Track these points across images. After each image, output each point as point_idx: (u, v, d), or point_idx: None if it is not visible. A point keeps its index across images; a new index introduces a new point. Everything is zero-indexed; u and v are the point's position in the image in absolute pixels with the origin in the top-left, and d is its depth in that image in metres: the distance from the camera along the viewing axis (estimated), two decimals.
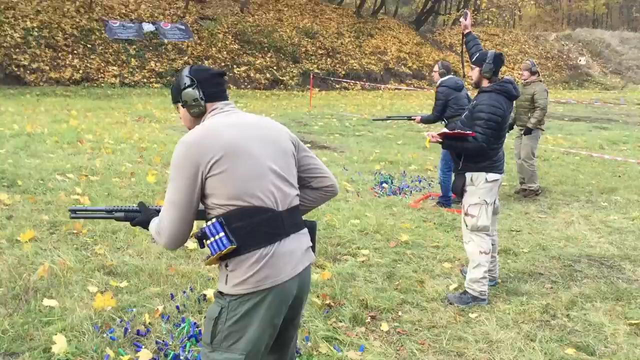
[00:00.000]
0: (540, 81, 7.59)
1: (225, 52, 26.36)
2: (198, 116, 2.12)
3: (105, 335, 3.40)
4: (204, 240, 1.95)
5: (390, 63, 31.09)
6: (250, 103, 18.36)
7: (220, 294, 1.98)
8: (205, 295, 3.94)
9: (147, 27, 25.45)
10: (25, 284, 4.00)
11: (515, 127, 7.39)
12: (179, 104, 2.16)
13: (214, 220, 1.92)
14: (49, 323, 3.48)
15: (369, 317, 3.79)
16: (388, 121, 12.87)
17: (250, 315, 1.92)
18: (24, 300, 3.78)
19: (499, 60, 4.15)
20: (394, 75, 30.28)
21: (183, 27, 26.40)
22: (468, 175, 4.11)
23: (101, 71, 22.64)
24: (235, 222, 1.90)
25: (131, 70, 23.28)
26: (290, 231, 2.01)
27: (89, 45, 23.39)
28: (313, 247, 2.16)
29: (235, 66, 25.84)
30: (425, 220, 6.08)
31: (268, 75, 26.26)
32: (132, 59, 23.72)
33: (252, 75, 25.84)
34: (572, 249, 5.34)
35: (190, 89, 2.09)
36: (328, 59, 28.99)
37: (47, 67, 21.63)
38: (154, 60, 24.19)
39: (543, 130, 7.60)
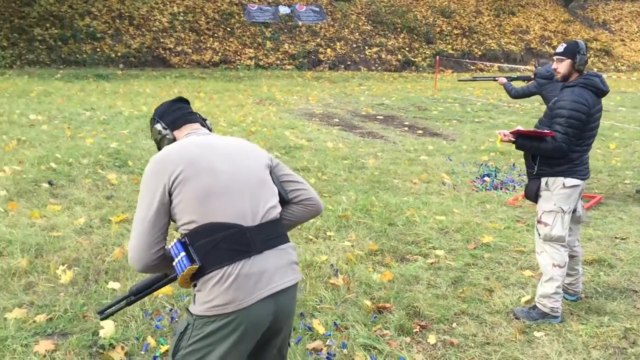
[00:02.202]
0: None
1: (357, 34, 26.30)
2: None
3: (153, 322, 3.54)
4: (173, 263, 1.92)
5: (533, 43, 29.18)
6: (374, 85, 18.20)
7: (188, 311, 1.95)
8: None
9: (283, 9, 26.07)
10: (99, 265, 4.29)
11: None
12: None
13: (175, 240, 1.90)
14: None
15: (418, 327, 3.58)
16: (475, 81, 12.31)
17: (213, 338, 1.85)
18: (92, 281, 4.05)
19: (587, 51, 3.68)
20: (536, 56, 28.35)
21: (317, 9, 26.71)
22: (543, 179, 3.71)
23: (238, 53, 23.62)
24: (197, 240, 1.86)
25: (266, 52, 24.04)
26: (262, 247, 1.90)
27: (228, 29, 24.49)
28: None
29: (366, 47, 25.71)
30: (519, 221, 5.63)
31: (400, 57, 25.82)
32: (268, 42, 24.46)
33: (383, 56, 25.56)
34: None
35: (154, 126, 2.15)
36: (464, 39, 27.86)
37: (190, 50, 23.00)
38: (288, 43, 24.76)
39: None
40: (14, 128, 8.84)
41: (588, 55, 3.74)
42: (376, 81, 19.81)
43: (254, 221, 1.90)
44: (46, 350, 3.19)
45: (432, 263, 4.53)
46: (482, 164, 7.97)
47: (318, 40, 25.22)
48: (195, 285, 1.90)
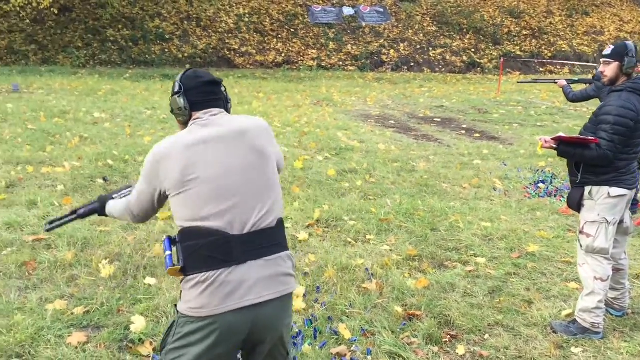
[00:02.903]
0: None
1: (421, 34, 25.99)
2: (184, 123, 2.11)
3: None
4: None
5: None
6: (435, 87, 17.91)
7: (175, 307, 1.97)
8: None
9: (347, 10, 26.09)
10: (139, 260, 4.41)
11: None
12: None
13: (166, 236, 1.94)
14: (139, 301, 3.78)
15: (448, 337, 3.49)
16: (536, 83, 11.84)
17: (190, 339, 1.87)
18: (131, 276, 4.17)
19: (637, 53, 3.47)
20: None
21: (382, 9, 26.57)
22: (587, 188, 3.53)
23: (301, 54, 23.83)
24: (184, 241, 1.89)
25: (328, 53, 24.13)
26: (247, 258, 1.88)
27: (292, 30, 24.75)
28: None
29: (431, 48, 25.36)
30: (570, 230, 5.39)
31: (465, 58, 25.32)
32: (331, 43, 24.55)
33: (447, 58, 25.14)
34: None
35: (176, 97, 2.09)
36: (533, 40, 27.01)
37: (254, 51, 23.39)
38: (351, 44, 24.76)
39: None
40: (79, 125, 9.23)
41: None
42: (438, 83, 19.48)
43: (242, 230, 1.88)
44: (78, 342, 3.30)
45: (470, 271, 4.41)
46: (538, 170, 7.68)
47: (381, 41, 25.08)
48: (182, 282, 1.93)
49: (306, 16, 25.44)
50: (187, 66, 21.67)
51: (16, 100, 11.31)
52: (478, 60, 25.25)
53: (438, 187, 6.74)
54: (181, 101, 2.08)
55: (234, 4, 24.85)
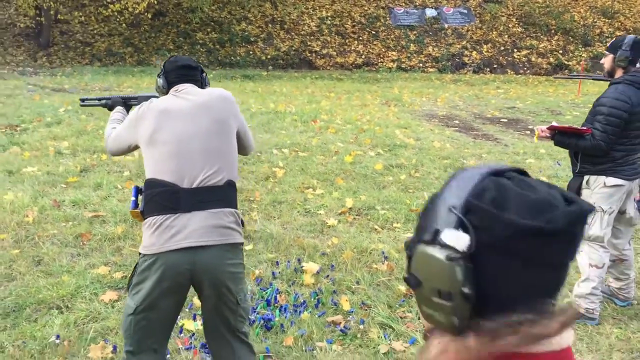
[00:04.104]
0: None
1: (506, 36, 25.44)
2: None
3: None
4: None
5: None
6: (513, 89, 17.57)
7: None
8: (302, 267, 4.28)
9: (430, 12, 26.00)
10: None
11: None
12: None
13: (134, 185, 2.36)
14: None
15: None
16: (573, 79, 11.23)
17: (145, 274, 2.24)
18: None
19: (639, 47, 3.53)
20: None
21: (465, 10, 26.26)
22: (585, 177, 3.63)
23: (381, 56, 24.02)
24: (145, 190, 2.29)
25: (409, 55, 24.16)
26: (192, 208, 2.23)
27: (373, 32, 25.00)
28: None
29: (515, 50, 24.78)
30: None
31: (551, 60, 24.52)
32: (411, 44, 24.57)
33: (533, 59, 24.46)
34: None
35: (158, 78, 2.51)
36: None
37: (335, 53, 23.84)
38: (432, 45, 24.66)
39: None
40: None
41: None
42: (518, 85, 19.08)
43: (191, 184, 2.25)
44: (110, 300, 3.79)
45: None
46: None
47: (464, 42, 24.80)
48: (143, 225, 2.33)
49: (388, 18, 25.60)
50: (270, 68, 22.51)
51: None
52: (566, 62, 24.38)
53: None
54: (161, 81, 2.51)
55: (317, 7, 25.44)
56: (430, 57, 24.15)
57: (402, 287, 3.97)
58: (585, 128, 3.51)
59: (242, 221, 2.42)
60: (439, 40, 25.02)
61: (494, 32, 25.44)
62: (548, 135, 3.66)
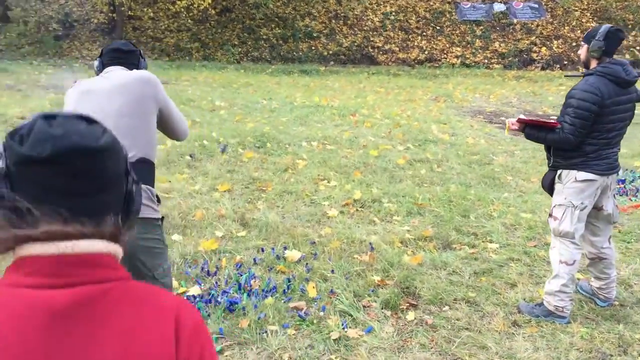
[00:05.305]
0: None
1: (579, 31, 24.34)
2: None
3: (185, 268, 4.17)
4: None
5: None
6: (494, 85, 16.85)
7: None
8: (285, 255, 4.36)
9: (498, 7, 25.26)
10: (177, 221, 5.08)
11: None
12: None
13: None
14: None
15: (408, 305, 3.67)
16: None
17: None
18: (166, 232, 4.83)
19: (614, 37, 3.37)
20: None
21: (536, 5, 25.34)
22: (559, 171, 3.51)
23: (444, 52, 23.60)
24: None
25: (474, 51, 23.61)
26: None
27: (437, 27, 24.60)
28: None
29: None
30: (617, 227, 5.12)
31: (627, 56, 23.24)
32: (477, 40, 23.99)
33: None
34: None
35: (95, 61, 2.67)
36: None
37: (397, 48, 23.66)
38: (499, 41, 23.98)
39: None
40: (197, 111, 10.33)
41: None
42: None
43: None
44: None
45: (472, 253, 4.46)
46: (628, 169, 7.19)
47: (532, 38, 23.96)
48: None
49: (454, 13, 25.11)
50: (331, 63, 22.63)
51: None
52: None
53: (503, 179, 6.66)
54: (96, 63, 2.67)
55: (381, 3, 25.31)
56: (496, 53, 23.49)
57: (375, 277, 3.98)
58: (553, 121, 3.40)
59: (157, 198, 2.53)
60: (506, 36, 24.29)
61: (566, 27, 24.42)
62: (517, 128, 3.56)
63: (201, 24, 24.13)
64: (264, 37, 23.86)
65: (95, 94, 2.49)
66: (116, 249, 0.98)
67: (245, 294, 3.77)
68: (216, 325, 3.39)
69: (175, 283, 3.93)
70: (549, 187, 3.59)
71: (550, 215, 3.56)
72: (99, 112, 2.42)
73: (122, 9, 22.62)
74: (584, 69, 3.56)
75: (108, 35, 23.80)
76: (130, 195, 1.03)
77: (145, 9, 23.58)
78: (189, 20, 23.52)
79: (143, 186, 2.45)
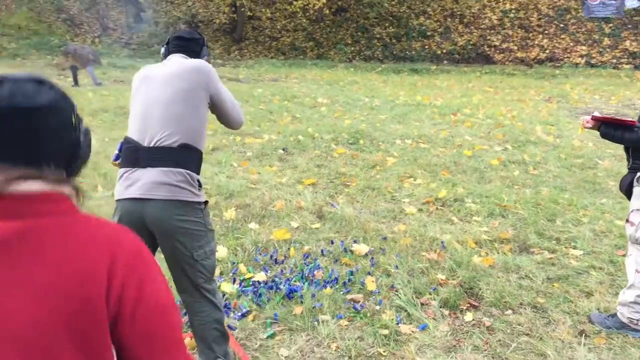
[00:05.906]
0: None
1: None
2: None
3: (260, 256, 4.32)
4: None
5: None
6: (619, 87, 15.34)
7: None
8: (352, 249, 4.38)
9: (630, 3, 23.43)
10: (259, 211, 5.25)
11: None
12: None
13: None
14: (236, 238, 4.61)
15: (468, 305, 3.57)
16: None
17: (114, 216, 2.58)
18: (242, 220, 5.04)
19: None
20: None
21: None
22: (638, 174, 3.25)
23: (568, 51, 22.36)
24: (124, 145, 2.60)
25: (601, 50, 22.16)
26: (148, 164, 2.50)
27: (561, 25, 23.35)
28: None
29: None
30: None
31: None
32: (605, 38, 22.50)
33: None
34: None
35: (162, 47, 2.86)
36: None
37: (516, 47, 22.76)
38: (630, 39, 22.32)
39: None
40: (298, 107, 10.59)
41: None
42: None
43: (150, 144, 2.51)
44: None
45: (550, 258, 4.23)
46: None
47: None
48: None
49: (580, 10, 23.67)
50: (445, 62, 22.22)
51: (268, 87, 13.32)
52: None
53: (604, 184, 6.23)
54: (163, 49, 2.84)
55: (500, 0, 24.44)
56: (627, 52, 21.87)
57: (440, 276, 3.89)
58: (629, 119, 3.15)
59: (199, 182, 2.64)
60: (639, 34, 22.54)
61: None
62: (591, 126, 3.33)
63: (316, 24, 24.62)
64: (377, 36, 23.90)
65: (154, 79, 2.65)
66: (63, 189, 1.09)
67: (306, 283, 3.84)
68: (272, 310, 3.49)
69: (243, 268, 4.10)
70: (627, 190, 3.33)
71: (627, 220, 3.30)
72: (151, 98, 2.59)
73: (243, 9, 23.62)
74: None
75: (229, 35, 24.97)
76: (77, 145, 1.12)
77: (264, 10, 24.46)
78: (305, 20, 24.08)
79: (182, 170, 2.56)
